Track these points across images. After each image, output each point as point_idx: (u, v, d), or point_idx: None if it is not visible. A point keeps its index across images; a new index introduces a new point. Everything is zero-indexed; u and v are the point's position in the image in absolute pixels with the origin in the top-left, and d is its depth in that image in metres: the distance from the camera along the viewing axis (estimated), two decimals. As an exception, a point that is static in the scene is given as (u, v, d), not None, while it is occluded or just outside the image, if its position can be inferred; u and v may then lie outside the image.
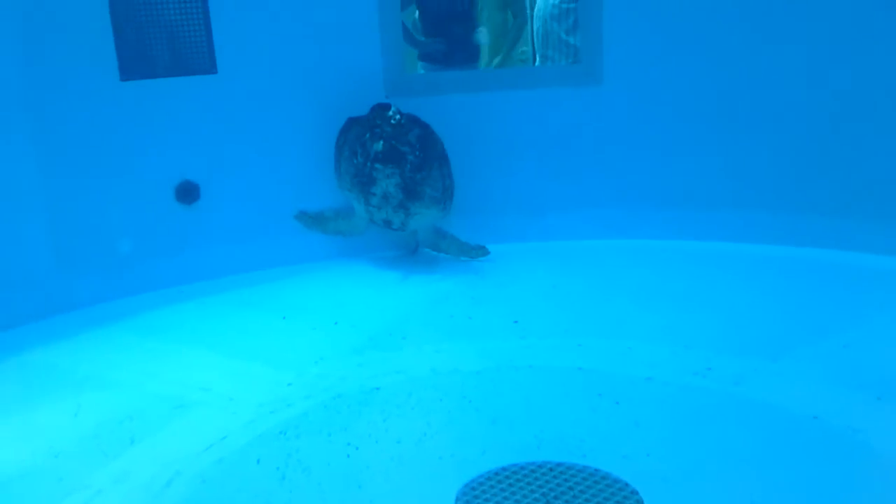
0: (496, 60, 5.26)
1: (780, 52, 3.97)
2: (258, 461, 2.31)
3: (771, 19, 3.95)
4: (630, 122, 4.23)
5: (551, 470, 2.20)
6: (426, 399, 2.65)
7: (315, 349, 3.08)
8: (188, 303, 3.68)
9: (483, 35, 5.21)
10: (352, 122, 3.92)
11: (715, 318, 3.22)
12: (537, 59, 5.39)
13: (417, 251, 4.24)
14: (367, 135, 3.75)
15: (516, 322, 3.26)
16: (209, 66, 3.85)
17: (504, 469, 2.21)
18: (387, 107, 3.79)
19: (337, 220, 4.14)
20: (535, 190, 4.32)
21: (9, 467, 2.38)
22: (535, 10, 5.32)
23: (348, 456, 2.32)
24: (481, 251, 4.09)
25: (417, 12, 5.18)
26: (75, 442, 2.48)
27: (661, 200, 4.25)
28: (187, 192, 3.91)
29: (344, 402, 2.64)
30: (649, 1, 4.08)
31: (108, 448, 2.42)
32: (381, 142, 3.69)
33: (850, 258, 3.81)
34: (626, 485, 2.12)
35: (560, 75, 4.41)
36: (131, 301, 3.69)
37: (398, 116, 3.74)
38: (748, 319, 3.20)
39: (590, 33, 4.18)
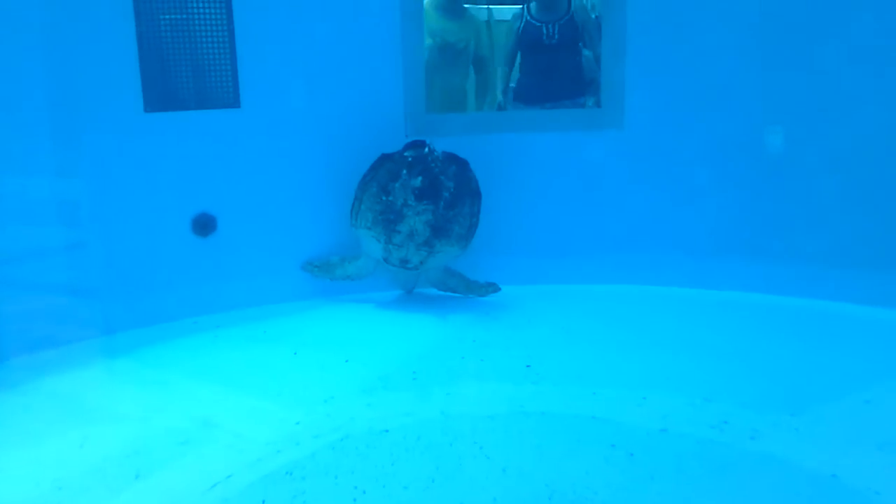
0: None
1: (804, 98, 3.95)
2: (263, 502, 2.27)
3: (794, 65, 3.94)
4: (650, 167, 4.22)
5: (561, 523, 2.15)
6: (436, 443, 2.60)
7: (325, 387, 3.05)
8: (200, 335, 3.67)
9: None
10: (385, 159, 3.88)
11: (734, 369, 3.17)
12: None
13: (413, 291, 4.23)
14: (405, 171, 3.76)
15: (529, 366, 3.21)
16: (233, 101, 3.89)
17: (513, 520, 2.16)
18: (422, 143, 3.81)
19: (343, 264, 4.12)
20: (554, 232, 4.30)
21: (12, 499, 2.35)
22: None
23: (355, 500, 2.28)
24: (491, 288, 4.08)
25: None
26: (80, 475, 2.45)
27: (681, 247, 4.22)
28: (204, 225, 3.92)
29: (352, 444, 2.60)
30: (671, 46, 4.09)
31: (113, 483, 2.40)
32: (421, 177, 3.72)
33: (877, 313, 3.75)
34: (639, 541, 2.06)
35: (581, 119, 4.41)
36: (143, 332, 3.69)
37: (437, 153, 3.78)
38: (768, 372, 3.14)
39: (612, 78, 4.19)
